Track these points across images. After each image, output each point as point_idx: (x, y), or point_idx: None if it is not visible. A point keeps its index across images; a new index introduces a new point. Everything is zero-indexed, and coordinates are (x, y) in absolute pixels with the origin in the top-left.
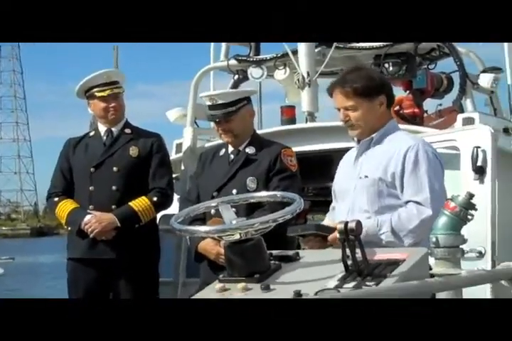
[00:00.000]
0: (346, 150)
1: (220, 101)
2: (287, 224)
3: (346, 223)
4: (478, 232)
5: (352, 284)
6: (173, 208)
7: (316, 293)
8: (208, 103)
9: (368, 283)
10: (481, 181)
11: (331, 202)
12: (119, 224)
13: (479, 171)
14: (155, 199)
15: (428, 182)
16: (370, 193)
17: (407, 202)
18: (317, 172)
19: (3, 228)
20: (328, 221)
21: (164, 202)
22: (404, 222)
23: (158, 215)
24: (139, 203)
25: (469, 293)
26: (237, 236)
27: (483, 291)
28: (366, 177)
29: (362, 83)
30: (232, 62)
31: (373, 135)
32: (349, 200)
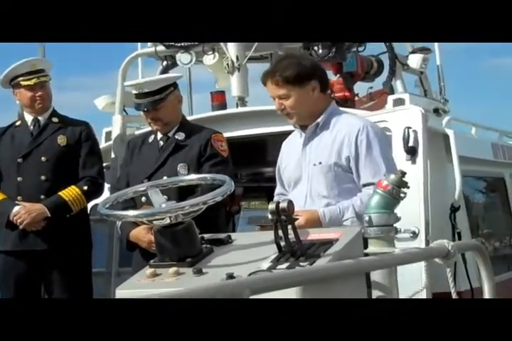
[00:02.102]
0: (278, 134)
1: (146, 90)
2: (219, 207)
3: (278, 203)
4: (411, 213)
5: (285, 265)
6: (104, 197)
7: (249, 275)
8: (135, 92)
9: (301, 264)
10: (413, 161)
11: (264, 187)
12: (49, 215)
13: (411, 151)
14: (85, 188)
15: (384, 163)
16: (328, 179)
17: (366, 184)
18: (249, 158)
19: None
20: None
21: (95, 190)
22: None
23: (89, 205)
24: (69, 192)
25: (404, 271)
26: (167, 220)
27: (417, 270)
28: (320, 163)
29: (291, 71)
30: (160, 47)
31: (318, 120)
32: (304, 187)
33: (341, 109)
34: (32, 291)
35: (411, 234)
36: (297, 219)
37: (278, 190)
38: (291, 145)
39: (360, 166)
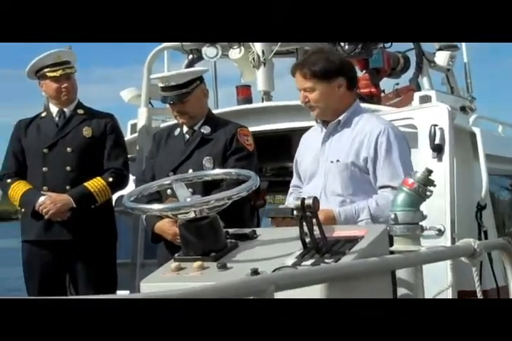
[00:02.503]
0: (303, 129)
1: (172, 83)
2: (244, 201)
3: (303, 199)
4: (437, 210)
5: (310, 261)
6: (129, 189)
7: (273, 271)
8: (161, 85)
9: (326, 260)
10: (439, 159)
11: (289, 182)
12: (74, 205)
13: (437, 149)
14: (110, 179)
15: (402, 168)
16: (343, 177)
17: (382, 186)
18: (275, 152)
19: None
20: (293, 201)
21: (120, 182)
22: (383, 208)
23: (114, 196)
24: (94, 184)
25: (429, 269)
26: (192, 215)
27: (443, 268)
28: (338, 161)
29: (320, 65)
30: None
31: (340, 117)
32: (319, 183)
33: (367, 105)
34: (57, 281)
35: (437, 232)
36: None
37: (294, 181)
38: (310, 139)
39: (378, 168)
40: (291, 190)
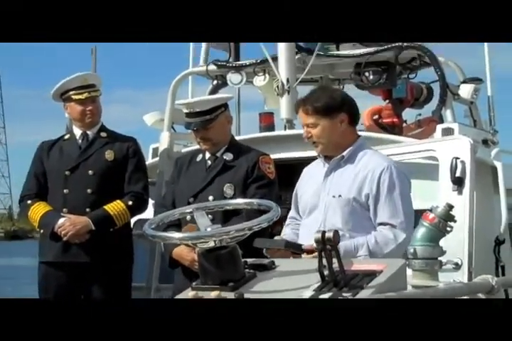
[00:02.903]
0: None
1: (197, 109)
2: (264, 232)
3: (324, 232)
4: (455, 243)
5: (328, 295)
6: (148, 213)
7: None
8: (185, 111)
9: (344, 294)
10: (460, 192)
11: None
12: (93, 228)
13: (458, 182)
14: (130, 203)
15: (402, 206)
16: (344, 212)
17: (382, 223)
18: (295, 180)
19: None
20: (290, 233)
21: (139, 206)
22: (382, 245)
23: (133, 220)
24: (114, 207)
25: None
26: (211, 244)
27: None
28: (340, 196)
29: (322, 102)
30: (211, 67)
31: (344, 153)
32: (319, 217)
33: (388, 136)
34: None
35: (454, 266)
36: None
37: (291, 213)
38: (311, 173)
39: (379, 205)
40: (288, 221)
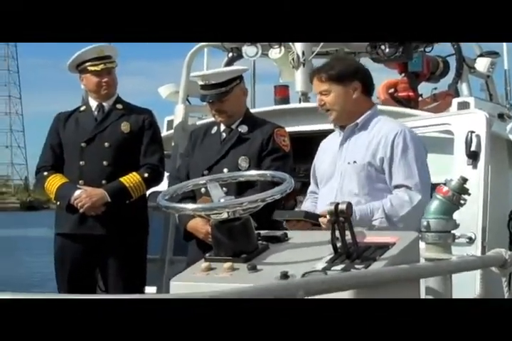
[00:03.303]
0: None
1: (212, 82)
2: (277, 203)
3: (337, 204)
4: (469, 218)
5: (340, 266)
6: (163, 185)
7: (303, 275)
8: (200, 83)
9: (356, 266)
10: (474, 166)
11: None
12: (109, 200)
13: (473, 156)
14: (146, 175)
15: (417, 168)
16: (360, 177)
17: (397, 186)
18: (309, 153)
19: None
20: (309, 206)
21: (155, 178)
22: (397, 208)
23: (148, 192)
24: (130, 179)
25: (459, 278)
26: (224, 215)
27: (472, 277)
28: (355, 162)
29: (336, 69)
30: None
31: (358, 120)
32: (335, 184)
33: (403, 109)
34: (87, 274)
35: (467, 240)
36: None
37: (311, 188)
38: (328, 144)
39: (394, 168)
40: (307, 196)
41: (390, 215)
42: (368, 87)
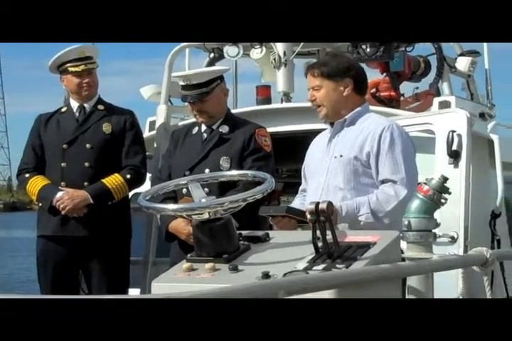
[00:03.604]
0: (321, 131)
1: (194, 82)
2: (258, 203)
3: (317, 204)
4: (451, 217)
5: (322, 266)
6: (146, 186)
7: (284, 275)
8: (182, 83)
9: (338, 266)
10: (456, 165)
11: None
12: (91, 201)
13: (454, 155)
14: (128, 176)
15: (403, 163)
16: (346, 172)
17: (383, 180)
18: (291, 154)
19: None
20: (297, 204)
21: (138, 179)
22: (383, 203)
23: (130, 193)
24: (112, 180)
25: (440, 277)
26: (206, 216)
27: (454, 276)
28: (341, 156)
29: (329, 66)
30: None
31: (346, 116)
32: (321, 179)
33: (385, 109)
34: (70, 277)
35: (449, 239)
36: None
37: (302, 186)
38: (318, 142)
39: (381, 162)
40: (298, 193)
41: (376, 210)
42: (359, 86)
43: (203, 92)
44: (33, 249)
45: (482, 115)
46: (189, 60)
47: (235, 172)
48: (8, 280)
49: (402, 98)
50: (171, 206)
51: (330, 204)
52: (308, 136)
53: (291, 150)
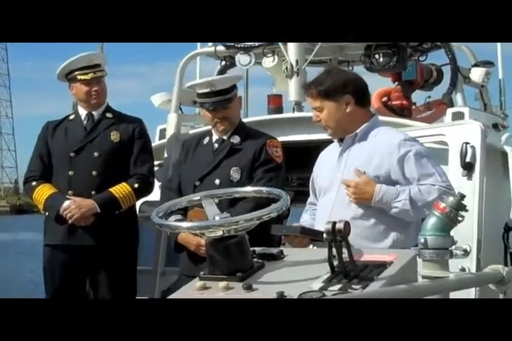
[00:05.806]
0: (332, 141)
1: (219, 88)
2: (272, 220)
3: (334, 223)
4: (464, 230)
5: (337, 287)
6: (154, 195)
7: (300, 295)
8: (204, 90)
9: (354, 286)
10: (469, 177)
11: None
12: (99, 210)
13: (468, 167)
14: (136, 185)
15: (434, 170)
16: None
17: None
18: (302, 162)
19: None
20: (307, 219)
21: (145, 188)
22: (424, 193)
23: (138, 202)
24: (120, 189)
25: (456, 296)
26: (219, 233)
27: (470, 295)
28: (364, 173)
29: (325, 85)
30: (220, 48)
31: (357, 131)
32: (332, 194)
33: (398, 120)
34: (77, 286)
35: (462, 252)
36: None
37: (310, 199)
38: (327, 155)
39: (412, 174)
40: (307, 207)
41: (415, 199)
42: (361, 99)
43: (226, 99)
44: (40, 252)
45: (495, 126)
46: (200, 68)
47: (249, 188)
48: (14, 282)
49: (413, 107)
50: (185, 224)
51: (347, 224)
52: (319, 146)
53: (302, 158)
